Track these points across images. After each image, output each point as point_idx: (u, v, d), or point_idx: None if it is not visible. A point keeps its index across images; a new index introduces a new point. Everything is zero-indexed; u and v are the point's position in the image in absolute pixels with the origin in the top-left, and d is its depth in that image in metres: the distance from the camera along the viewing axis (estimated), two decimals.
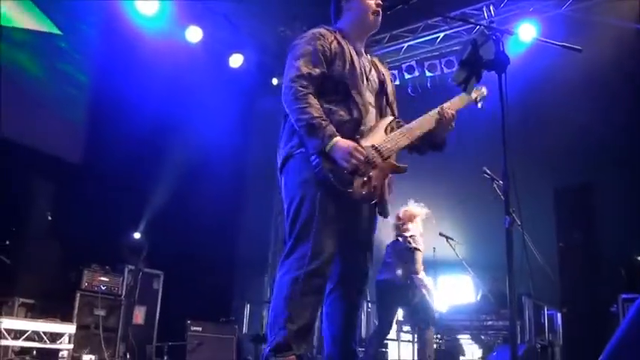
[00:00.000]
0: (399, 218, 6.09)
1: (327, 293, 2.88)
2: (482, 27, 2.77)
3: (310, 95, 2.72)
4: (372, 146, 2.75)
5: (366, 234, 2.94)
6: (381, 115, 2.97)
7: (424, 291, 5.78)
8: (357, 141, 2.72)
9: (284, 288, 2.60)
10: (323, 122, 2.65)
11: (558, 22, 7.67)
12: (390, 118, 2.96)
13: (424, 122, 2.96)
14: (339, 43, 2.93)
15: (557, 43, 2.67)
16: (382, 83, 3.05)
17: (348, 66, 2.87)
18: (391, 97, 3.09)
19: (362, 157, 2.63)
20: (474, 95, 3.19)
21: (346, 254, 2.85)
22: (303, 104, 2.68)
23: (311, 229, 2.62)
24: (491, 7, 8.00)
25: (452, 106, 3.06)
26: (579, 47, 2.57)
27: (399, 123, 3.05)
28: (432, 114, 2.99)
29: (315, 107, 2.68)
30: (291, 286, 2.58)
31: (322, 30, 2.96)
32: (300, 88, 2.71)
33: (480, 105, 3.22)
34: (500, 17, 7.99)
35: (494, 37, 2.58)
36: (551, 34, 7.48)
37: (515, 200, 2.62)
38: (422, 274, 5.81)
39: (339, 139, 2.63)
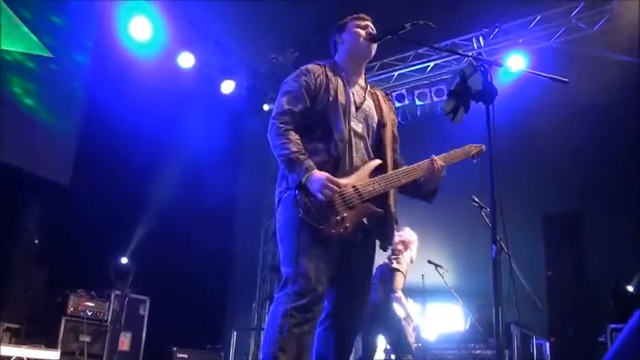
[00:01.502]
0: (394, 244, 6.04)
1: (319, 322, 2.86)
2: (470, 58, 2.78)
3: (291, 131, 2.80)
4: (353, 187, 2.75)
5: (361, 266, 2.95)
6: (370, 146, 2.97)
7: (402, 313, 5.68)
8: (338, 177, 2.72)
9: (276, 319, 2.62)
10: (301, 157, 2.71)
11: (548, 53, 7.78)
12: (378, 161, 2.93)
13: (412, 170, 2.94)
14: (326, 76, 2.97)
15: (544, 74, 2.70)
16: (379, 118, 3.04)
17: (331, 98, 2.90)
18: (389, 134, 3.06)
19: (335, 189, 2.65)
20: (472, 151, 3.15)
21: (342, 286, 2.86)
22: (283, 140, 2.77)
23: (301, 266, 2.65)
24: (480, 38, 8.12)
25: (446, 158, 3.05)
26: (566, 79, 2.60)
27: (397, 164, 3.04)
28: (422, 163, 2.98)
29: (294, 142, 2.76)
30: (282, 318, 2.60)
31: (310, 66, 3.03)
32: (281, 125, 2.81)
33: (475, 160, 3.17)
34: (490, 48, 8.12)
35: (482, 68, 2.60)
36: (540, 66, 7.58)
37: (502, 229, 2.63)
38: (399, 294, 5.71)
39: (315, 172, 2.68)
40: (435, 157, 3.00)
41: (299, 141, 2.78)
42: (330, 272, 2.74)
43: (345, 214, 2.70)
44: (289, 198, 2.76)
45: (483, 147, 3.14)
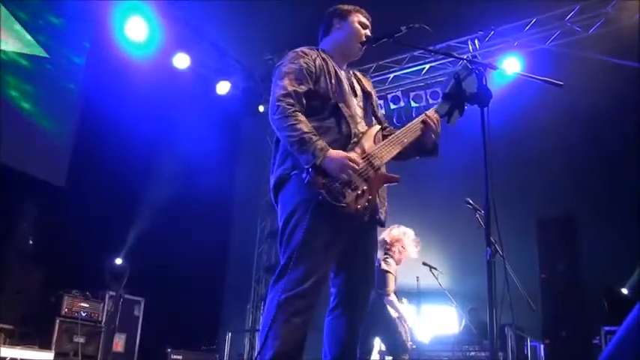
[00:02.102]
0: (385, 242, 6.01)
1: (328, 311, 2.86)
2: (465, 61, 2.76)
3: (298, 112, 2.71)
4: (363, 157, 2.73)
5: (367, 250, 2.92)
6: (367, 124, 2.97)
7: (395, 314, 5.67)
8: (350, 151, 2.71)
9: (271, 310, 2.57)
10: (313, 137, 2.62)
11: (543, 56, 7.81)
12: (378, 127, 2.96)
13: (411, 130, 2.94)
14: (323, 59, 2.96)
15: (539, 77, 2.70)
16: (367, 94, 3.07)
17: (333, 80, 2.90)
18: (376, 107, 3.11)
19: (356, 168, 2.62)
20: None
21: (349, 271, 2.83)
22: (292, 121, 2.66)
23: (301, 253, 2.59)
24: (476, 41, 8.15)
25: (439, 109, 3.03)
26: (560, 82, 2.60)
27: (389, 130, 3.06)
28: (417, 121, 2.97)
29: (304, 123, 2.67)
30: (278, 308, 2.55)
31: (305, 49, 2.99)
32: (288, 106, 2.71)
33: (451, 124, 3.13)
34: (485, 50, 8.15)
35: (477, 71, 2.61)
36: (535, 68, 7.62)
37: (497, 231, 2.64)
38: (392, 297, 5.70)
39: (330, 151, 2.60)
40: (428, 112, 3.00)
41: (308, 122, 2.70)
42: (337, 258, 2.72)
43: (365, 187, 2.68)
44: (297, 178, 2.69)
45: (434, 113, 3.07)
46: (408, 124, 2.97)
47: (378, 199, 2.80)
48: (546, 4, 7.59)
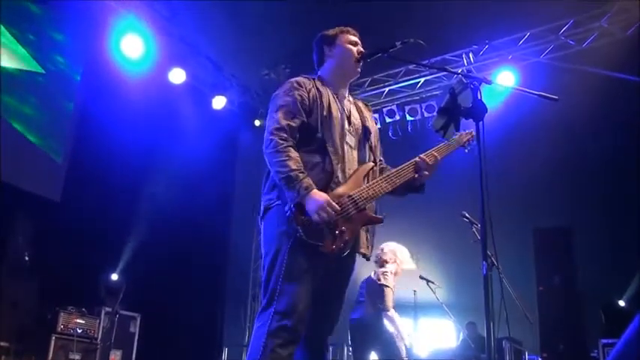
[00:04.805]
0: (380, 257, 6.01)
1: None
2: (460, 75, 2.77)
3: (290, 148, 2.74)
4: (348, 196, 2.74)
5: (341, 282, 2.94)
6: (362, 157, 2.97)
7: (392, 329, 5.65)
8: (332, 190, 2.73)
9: (259, 340, 2.60)
10: (300, 175, 2.66)
11: (538, 69, 7.85)
12: (371, 164, 2.96)
13: (404, 171, 2.96)
14: (317, 89, 2.96)
15: (533, 92, 2.72)
16: (365, 127, 3.06)
17: (325, 113, 2.90)
18: (374, 141, 3.09)
19: (333, 213, 2.63)
20: (462, 139, 3.18)
21: (319, 301, 2.79)
22: (283, 157, 2.70)
23: (285, 284, 2.64)
24: (470, 55, 8.20)
25: (438, 152, 3.07)
26: (555, 97, 2.62)
27: (382, 167, 3.07)
28: (411, 164, 2.99)
29: (293, 160, 2.70)
30: (265, 339, 2.57)
31: (300, 79, 2.99)
32: (280, 141, 2.74)
33: (467, 150, 3.20)
34: (480, 64, 8.19)
35: (471, 86, 2.62)
36: (530, 81, 7.66)
37: (493, 245, 2.63)
38: (392, 312, 5.69)
39: (313, 192, 2.64)
40: (422, 156, 3.02)
41: (299, 158, 2.73)
42: (313, 286, 2.71)
43: (344, 227, 2.69)
44: (279, 209, 2.73)
45: (473, 132, 3.09)
46: (402, 166, 2.98)
47: (362, 237, 2.85)
48: (540, 18, 7.64)
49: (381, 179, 2.88)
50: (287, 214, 2.66)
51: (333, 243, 2.65)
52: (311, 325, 2.79)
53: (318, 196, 2.64)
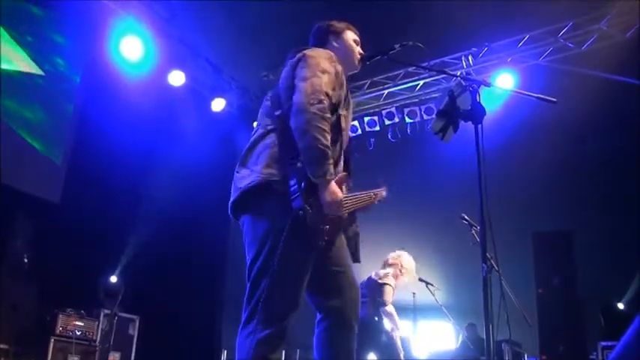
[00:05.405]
0: (386, 261, 6.02)
1: (316, 323, 2.69)
2: (459, 78, 2.76)
3: (328, 121, 2.50)
4: (345, 197, 2.61)
5: (338, 248, 2.71)
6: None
7: (390, 324, 5.65)
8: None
9: (244, 351, 2.46)
10: (330, 157, 2.47)
11: (537, 72, 7.86)
12: (344, 174, 2.71)
13: (362, 200, 2.83)
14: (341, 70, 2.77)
15: (532, 94, 2.72)
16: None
17: (344, 102, 2.74)
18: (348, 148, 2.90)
19: (340, 213, 2.54)
20: (373, 199, 2.98)
21: (324, 279, 2.66)
22: (325, 126, 2.45)
23: (279, 287, 2.44)
24: (470, 57, 8.20)
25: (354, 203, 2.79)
26: (554, 99, 2.62)
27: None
28: (369, 197, 2.90)
29: (329, 134, 2.47)
30: (252, 349, 2.44)
31: (333, 54, 2.78)
32: (326, 108, 2.49)
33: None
34: (479, 66, 8.20)
35: (470, 89, 2.63)
36: (529, 84, 7.67)
37: (492, 247, 2.63)
38: (390, 307, 5.69)
39: (334, 181, 2.50)
40: (375, 192, 2.93)
41: None
42: (306, 279, 2.55)
43: (328, 226, 2.54)
44: (284, 195, 2.46)
45: (384, 192, 3.03)
46: (364, 194, 2.86)
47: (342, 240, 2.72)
48: (540, 20, 7.65)
49: (349, 197, 2.70)
50: (292, 187, 2.43)
51: (320, 239, 2.51)
52: (328, 311, 2.65)
53: (337, 188, 2.50)
